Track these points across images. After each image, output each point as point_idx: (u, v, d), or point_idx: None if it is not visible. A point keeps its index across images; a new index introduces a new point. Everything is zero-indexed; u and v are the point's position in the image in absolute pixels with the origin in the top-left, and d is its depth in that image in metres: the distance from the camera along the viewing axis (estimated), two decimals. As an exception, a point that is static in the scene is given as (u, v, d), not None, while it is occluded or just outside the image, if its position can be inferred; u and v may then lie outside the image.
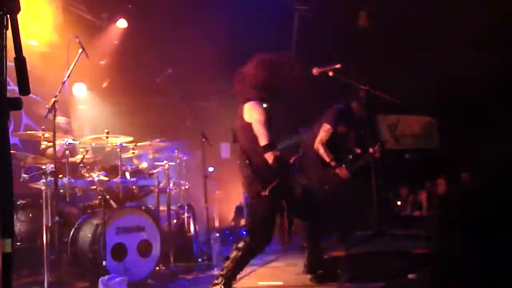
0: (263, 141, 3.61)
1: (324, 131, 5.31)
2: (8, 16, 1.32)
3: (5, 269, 1.30)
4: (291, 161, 3.83)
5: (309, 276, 4.17)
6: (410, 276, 3.19)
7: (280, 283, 4.24)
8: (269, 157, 3.59)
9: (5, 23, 1.31)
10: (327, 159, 5.26)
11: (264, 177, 3.63)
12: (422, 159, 7.89)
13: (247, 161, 3.70)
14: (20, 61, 1.33)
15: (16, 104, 1.33)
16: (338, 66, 4.14)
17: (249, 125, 3.70)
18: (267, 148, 3.60)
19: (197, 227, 5.70)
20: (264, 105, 3.70)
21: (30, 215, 4.93)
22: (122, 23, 7.59)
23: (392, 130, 8.46)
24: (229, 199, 6.96)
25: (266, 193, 3.56)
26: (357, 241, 4.21)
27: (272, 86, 3.81)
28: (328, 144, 5.28)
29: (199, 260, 5.45)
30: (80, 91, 7.61)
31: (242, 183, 3.86)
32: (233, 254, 3.69)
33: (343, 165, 5.21)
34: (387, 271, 3.35)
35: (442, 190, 7.54)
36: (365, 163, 4.98)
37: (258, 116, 3.66)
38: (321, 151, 5.27)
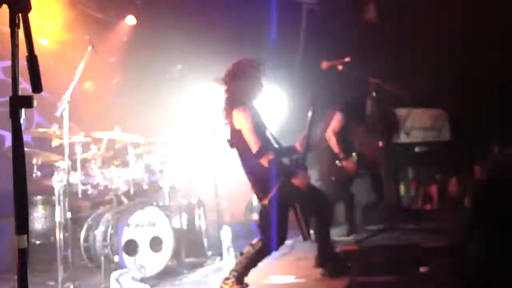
0: (254, 148, 3.64)
1: (336, 120, 5.29)
2: (20, 15, 1.34)
3: (21, 264, 1.32)
4: (300, 139, 3.84)
5: (320, 269, 4.18)
6: (421, 269, 3.19)
7: (291, 276, 4.25)
8: (264, 162, 3.63)
9: (17, 22, 1.33)
10: (336, 149, 5.25)
11: (263, 183, 3.67)
12: (432, 152, 7.84)
13: (247, 169, 3.75)
14: (32, 59, 1.35)
15: (29, 102, 1.35)
16: (347, 59, 4.12)
17: (240, 132, 3.72)
18: (259, 154, 3.62)
19: (207, 222, 5.73)
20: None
21: (43, 212, 4.99)
22: (130, 20, 7.61)
23: (402, 124, 8.41)
24: (240, 194, 6.97)
25: (266, 202, 3.60)
26: (367, 235, 4.21)
27: (253, 87, 3.83)
28: (339, 136, 5.27)
29: (210, 255, 5.48)
30: (90, 88, 7.65)
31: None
32: (247, 250, 3.70)
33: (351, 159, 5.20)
34: (398, 265, 3.35)
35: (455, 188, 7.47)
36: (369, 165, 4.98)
37: (246, 123, 3.68)
38: (332, 141, 5.25)
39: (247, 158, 3.73)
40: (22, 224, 1.36)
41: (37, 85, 1.36)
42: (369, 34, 7.43)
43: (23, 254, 1.33)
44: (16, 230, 1.34)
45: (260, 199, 3.70)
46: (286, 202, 3.72)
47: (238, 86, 3.80)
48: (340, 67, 4.12)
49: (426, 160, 7.83)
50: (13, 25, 1.32)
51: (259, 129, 3.70)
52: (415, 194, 7.61)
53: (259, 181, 3.70)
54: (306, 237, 3.75)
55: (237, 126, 3.73)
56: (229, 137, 3.86)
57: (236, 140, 3.78)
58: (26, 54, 1.37)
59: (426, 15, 7.15)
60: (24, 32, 1.36)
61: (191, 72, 6.56)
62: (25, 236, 1.34)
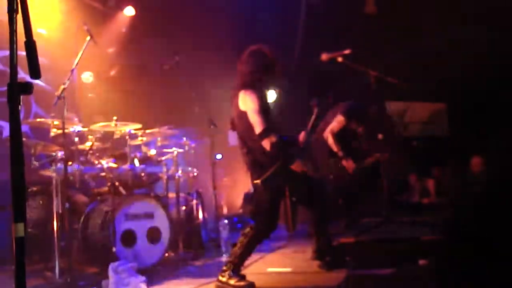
0: (257, 129, 3.63)
1: (337, 121, 5.33)
2: (18, 0, 1.32)
3: (18, 252, 1.31)
4: (300, 137, 3.84)
5: (317, 262, 4.19)
6: (420, 262, 3.19)
7: (289, 269, 4.26)
8: (266, 144, 3.62)
9: (15, 8, 1.31)
10: (335, 148, 5.26)
11: (262, 165, 3.65)
12: (430, 146, 7.85)
13: (245, 149, 3.72)
14: (30, 44, 1.33)
15: (27, 89, 1.33)
16: (347, 51, 4.11)
17: (244, 114, 3.71)
18: (262, 135, 3.62)
19: (205, 214, 5.73)
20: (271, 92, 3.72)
21: (41, 202, 4.97)
22: (129, 11, 7.57)
23: (401, 117, 8.40)
24: (238, 186, 6.97)
25: (259, 182, 3.58)
26: (365, 228, 4.21)
27: (264, 74, 3.83)
28: (337, 136, 5.29)
29: (208, 247, 5.48)
30: (88, 78, 7.62)
31: (246, 169, 3.88)
32: (240, 240, 3.71)
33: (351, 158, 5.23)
34: (397, 258, 3.35)
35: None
36: (370, 165, 4.99)
37: (252, 105, 3.67)
38: (330, 140, 5.28)
39: (248, 140, 3.72)
40: (20, 212, 1.35)
41: (35, 71, 1.34)
42: (369, 26, 7.41)
43: (20, 243, 1.32)
44: (13, 218, 1.33)
45: (254, 180, 3.68)
46: (280, 187, 3.71)
47: (250, 71, 3.78)
48: (339, 59, 4.11)
49: (424, 154, 7.84)
50: (12, 11, 1.31)
51: (264, 114, 3.69)
52: (413, 187, 7.63)
53: (257, 163, 3.69)
54: (289, 229, 3.76)
55: (242, 108, 3.72)
56: (232, 119, 3.85)
57: (240, 121, 3.77)
58: (25, 39, 1.35)
59: (425, 6, 7.14)
60: (22, 18, 1.34)
61: (189, 63, 6.53)
62: (22, 224, 1.33)
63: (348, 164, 5.24)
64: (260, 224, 3.73)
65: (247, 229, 3.74)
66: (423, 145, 7.90)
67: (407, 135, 8.24)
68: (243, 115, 3.72)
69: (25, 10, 1.33)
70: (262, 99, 3.74)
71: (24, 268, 1.34)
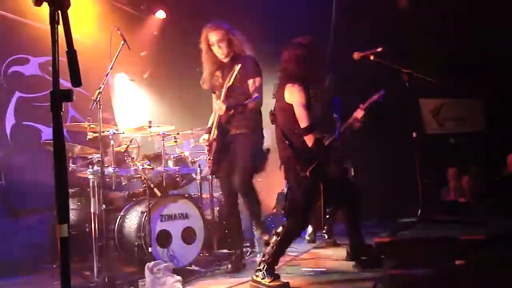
0: (303, 123, 3.63)
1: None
2: (59, 12, 1.37)
3: (63, 252, 1.36)
4: (326, 143, 3.82)
5: (352, 262, 4.17)
6: (457, 262, 3.13)
7: (324, 269, 4.25)
8: (309, 139, 3.61)
9: (56, 19, 1.37)
10: None
11: (303, 158, 3.63)
12: (466, 143, 7.70)
13: (286, 142, 3.71)
14: (72, 53, 1.39)
15: (69, 96, 1.38)
16: (379, 49, 4.06)
17: (289, 107, 3.70)
18: (308, 130, 3.61)
19: (239, 214, 5.75)
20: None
21: (79, 203, 5.11)
22: (161, 14, 7.69)
23: (435, 114, 8.27)
24: (271, 186, 6.97)
25: (307, 174, 3.56)
26: (401, 227, 4.16)
27: (314, 72, 3.81)
28: None
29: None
30: (122, 82, 7.78)
31: (281, 165, 3.87)
32: (273, 239, 3.72)
33: None
34: (433, 258, 3.29)
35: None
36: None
37: (300, 99, 3.66)
38: None
39: (290, 134, 3.71)
40: (63, 214, 1.40)
41: (76, 80, 1.39)
42: (401, 23, 7.30)
43: (64, 243, 1.37)
44: (57, 220, 1.38)
45: (297, 174, 3.65)
46: (316, 186, 3.70)
47: (297, 67, 3.76)
48: (372, 57, 4.06)
49: (460, 151, 7.70)
50: (53, 22, 1.36)
51: (310, 108, 3.69)
52: (450, 185, 7.49)
53: (300, 155, 3.66)
54: (321, 227, 3.74)
55: (288, 100, 3.71)
56: (273, 112, 3.85)
57: (283, 114, 3.76)
58: (66, 49, 1.40)
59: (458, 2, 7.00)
60: (63, 28, 1.39)
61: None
62: (66, 225, 1.38)
63: None
64: (293, 222, 3.73)
65: (279, 228, 3.75)
66: (459, 141, 7.77)
67: (443, 131, 8.12)
68: (288, 107, 3.70)
69: (66, 21, 1.38)
70: (308, 94, 3.73)
71: (68, 267, 1.39)
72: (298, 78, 3.73)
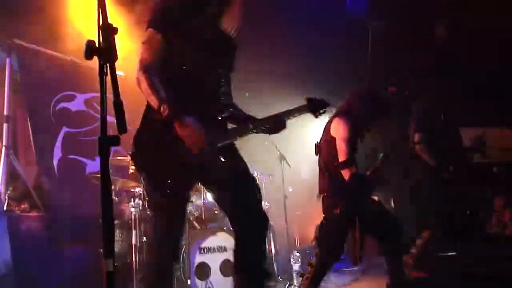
0: (342, 157, 3.69)
1: None
2: (108, 64, 1.50)
3: (109, 286, 1.45)
4: (368, 173, 3.84)
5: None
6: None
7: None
8: (346, 173, 3.66)
9: (105, 71, 1.49)
10: None
11: (337, 193, 3.68)
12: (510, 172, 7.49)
13: (326, 174, 3.78)
14: (118, 104, 1.51)
15: (116, 141, 1.50)
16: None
17: (333, 140, 3.78)
18: (345, 164, 3.67)
19: (277, 246, 5.77)
20: None
21: (120, 235, 5.24)
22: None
23: (478, 143, 8.09)
24: (311, 218, 6.95)
25: (338, 211, 3.61)
26: (439, 262, 4.09)
27: (373, 118, 3.94)
28: None
29: (280, 279, 5.50)
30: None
31: (319, 197, 3.93)
32: (308, 270, 3.76)
33: None
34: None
35: None
36: None
37: (343, 133, 3.75)
38: None
39: (331, 166, 3.78)
40: (109, 249, 1.50)
41: (123, 128, 1.51)
42: (440, 55, 7.26)
43: (110, 277, 1.46)
44: (103, 255, 1.48)
45: (330, 208, 3.71)
46: (350, 219, 3.71)
47: (355, 108, 3.89)
48: (406, 93, 4.10)
49: (504, 181, 7.49)
50: (102, 74, 1.49)
51: (352, 145, 3.76)
52: (492, 218, 7.26)
53: (336, 189, 3.73)
54: (357, 261, 3.73)
55: (333, 133, 3.81)
56: (319, 144, 3.94)
57: (327, 146, 3.84)
58: (113, 100, 1.52)
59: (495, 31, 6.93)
60: (111, 80, 1.52)
61: (256, 91, 6.73)
62: (111, 260, 1.48)
63: None
64: (324, 253, 3.75)
65: (313, 259, 3.78)
66: (503, 171, 7.56)
67: (485, 160, 7.92)
68: (331, 140, 3.80)
69: (114, 72, 1.51)
70: (353, 132, 3.80)
71: (113, 300, 1.48)
72: (346, 113, 3.83)
